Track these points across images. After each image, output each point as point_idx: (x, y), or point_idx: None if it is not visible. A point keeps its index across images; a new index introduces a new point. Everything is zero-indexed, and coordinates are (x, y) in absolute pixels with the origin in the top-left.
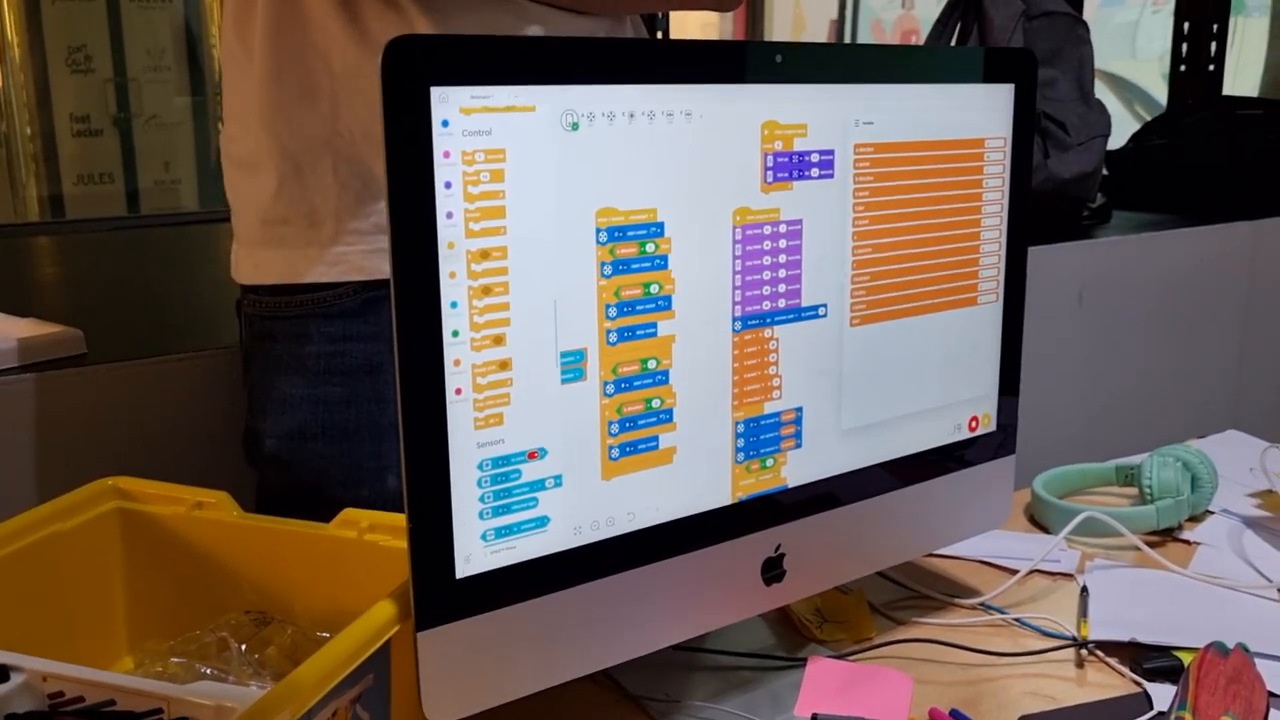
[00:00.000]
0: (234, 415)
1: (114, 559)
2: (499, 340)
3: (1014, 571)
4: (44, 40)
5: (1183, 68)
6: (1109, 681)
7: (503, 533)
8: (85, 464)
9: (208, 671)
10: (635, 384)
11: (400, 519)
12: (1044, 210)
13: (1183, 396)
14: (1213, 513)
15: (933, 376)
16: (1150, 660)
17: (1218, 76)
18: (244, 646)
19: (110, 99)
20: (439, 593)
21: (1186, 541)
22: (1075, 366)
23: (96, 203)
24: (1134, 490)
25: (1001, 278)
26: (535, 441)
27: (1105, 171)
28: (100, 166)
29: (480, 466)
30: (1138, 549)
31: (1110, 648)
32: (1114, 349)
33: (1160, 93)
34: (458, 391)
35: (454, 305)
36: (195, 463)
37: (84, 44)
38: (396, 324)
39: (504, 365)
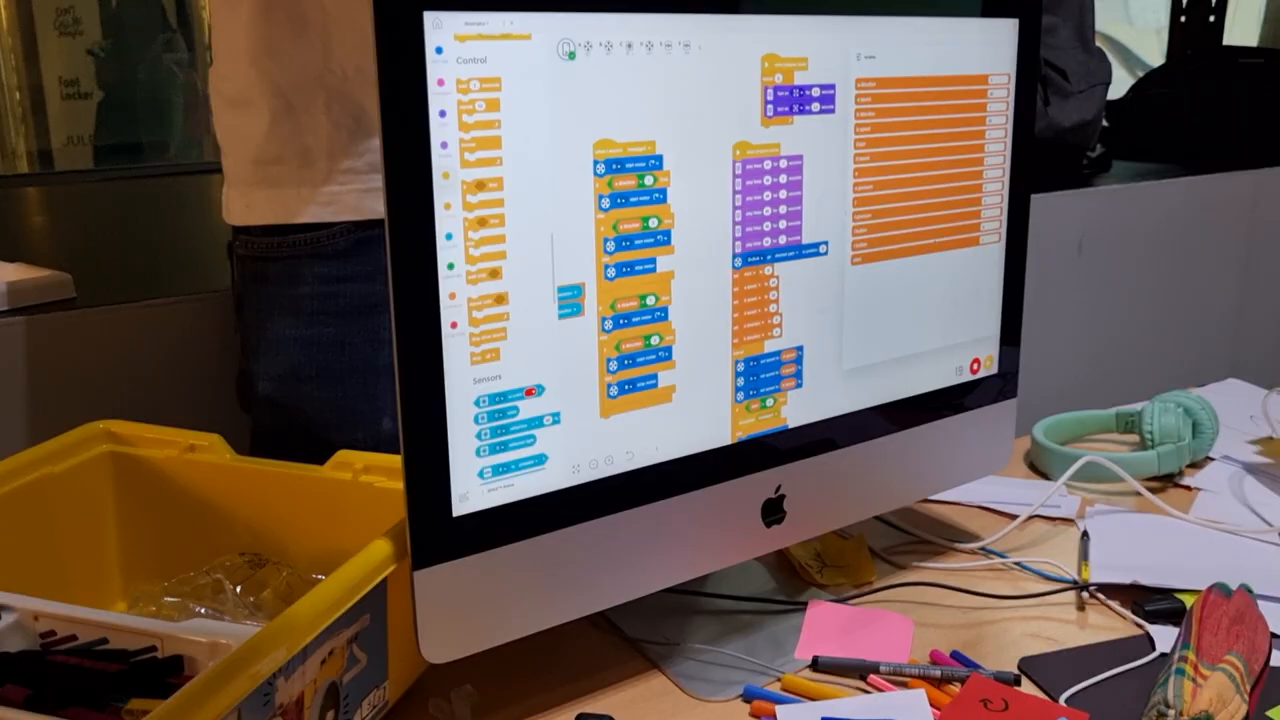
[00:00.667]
0: (226, 359)
1: (106, 502)
2: (495, 274)
3: (1014, 517)
4: (31, 2)
5: (1182, 18)
6: (1110, 624)
7: (500, 470)
8: (76, 407)
9: (202, 611)
10: (634, 320)
11: (396, 460)
12: (1043, 158)
13: (1182, 345)
14: (1213, 459)
15: (935, 317)
16: (1152, 602)
17: (1218, 27)
18: (239, 588)
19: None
20: (436, 531)
21: (1187, 487)
22: (1074, 315)
23: (84, 162)
24: (1134, 437)
25: (1004, 217)
26: (533, 378)
27: (1105, 122)
28: (89, 129)
29: (477, 403)
30: (1138, 494)
31: (1111, 590)
32: (1113, 298)
33: (1159, 62)
34: (453, 325)
35: (449, 237)
36: (187, 406)
37: (71, 5)
38: (390, 255)
39: (500, 299)
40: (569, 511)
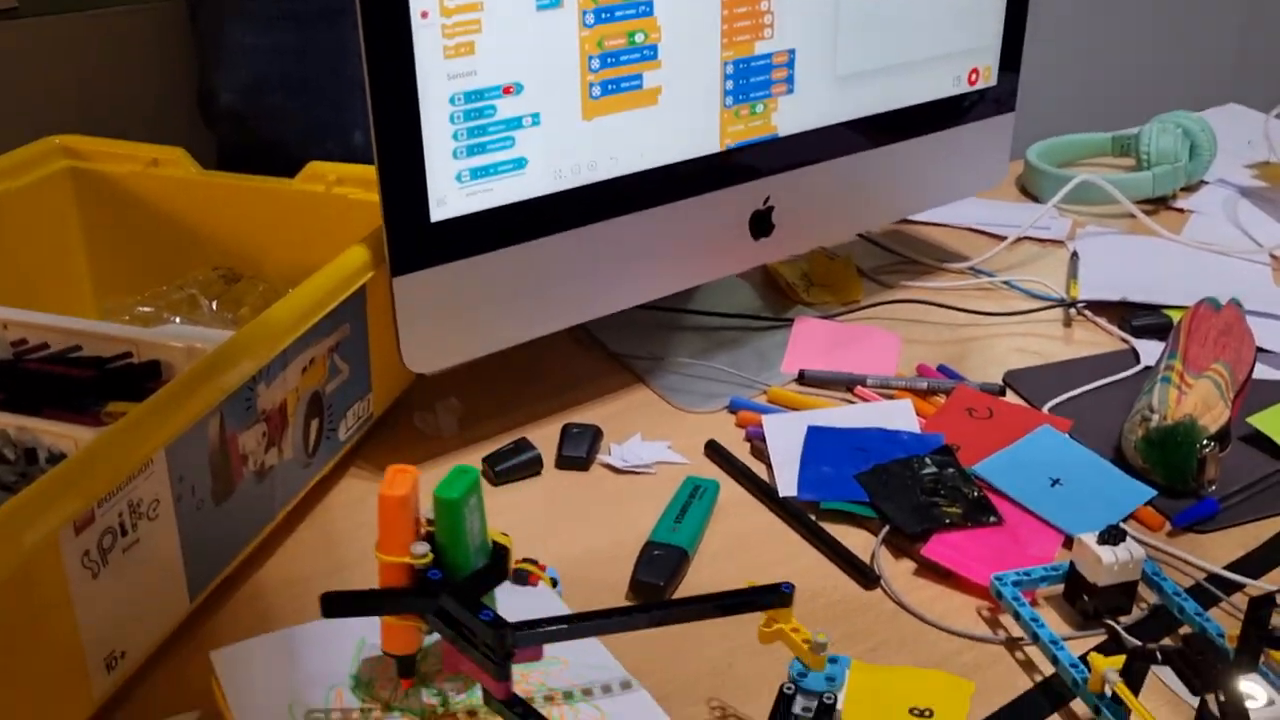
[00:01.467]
0: (187, 73)
1: (70, 219)
2: None
3: (1003, 238)
4: None
5: None
6: (1096, 339)
7: (478, 174)
8: (27, 124)
9: (177, 320)
10: (617, 15)
11: (370, 171)
12: None
13: (1183, 69)
14: (1208, 183)
15: (934, 22)
16: (1139, 318)
17: None
18: (214, 304)
19: None
20: (413, 236)
21: (1180, 210)
22: (1074, 35)
23: None
24: (1130, 161)
25: None
26: (510, 75)
27: None
28: None
29: (452, 100)
30: (1131, 216)
31: (1099, 308)
32: (1116, 18)
33: None
34: (423, 15)
35: None
36: (146, 123)
37: None
38: None
39: None
40: (551, 219)
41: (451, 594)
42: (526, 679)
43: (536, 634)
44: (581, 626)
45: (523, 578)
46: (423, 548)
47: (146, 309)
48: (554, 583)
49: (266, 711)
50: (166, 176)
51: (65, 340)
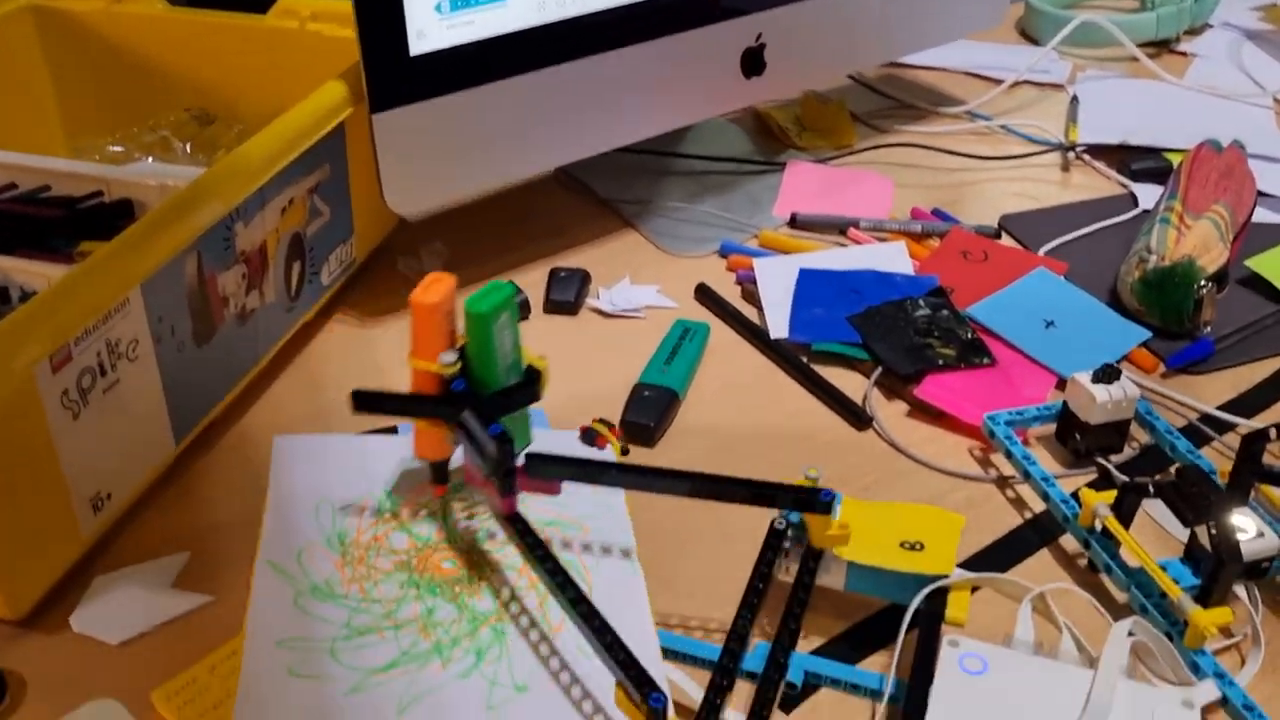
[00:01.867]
0: None
1: (34, 58)
2: None
3: (1001, 81)
4: None
5: None
6: (1095, 184)
7: (459, 5)
8: None
9: (150, 160)
10: None
11: (345, 5)
12: None
13: None
14: (1212, 26)
15: None
16: (1139, 162)
17: None
18: (188, 146)
19: None
20: (393, 71)
21: (1183, 53)
22: None
23: None
24: (1133, 3)
25: None
26: None
27: None
28: None
29: None
30: (1133, 59)
31: (1098, 152)
32: None
33: None
34: None
35: None
36: None
37: None
38: None
39: None
40: (536, 53)
41: (471, 406)
42: (534, 508)
43: (546, 468)
44: (595, 473)
45: (591, 438)
46: (451, 356)
47: (117, 149)
48: (623, 451)
49: (299, 504)
50: (132, 13)
51: (34, 180)
